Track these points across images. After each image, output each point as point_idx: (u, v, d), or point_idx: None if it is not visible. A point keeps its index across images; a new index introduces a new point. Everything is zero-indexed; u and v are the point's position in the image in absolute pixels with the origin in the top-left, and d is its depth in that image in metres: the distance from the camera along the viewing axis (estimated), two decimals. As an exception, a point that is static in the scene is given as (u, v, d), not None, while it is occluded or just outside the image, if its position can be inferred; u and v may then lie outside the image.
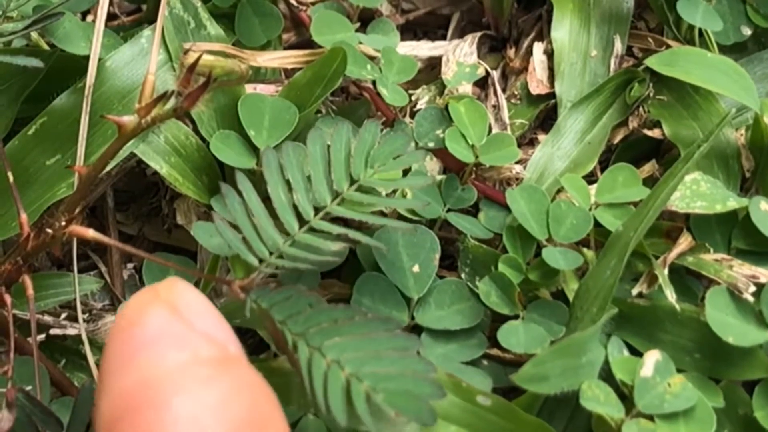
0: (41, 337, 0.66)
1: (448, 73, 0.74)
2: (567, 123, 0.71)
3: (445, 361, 0.59)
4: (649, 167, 0.69)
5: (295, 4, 0.78)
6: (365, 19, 0.76)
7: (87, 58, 0.65)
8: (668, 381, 0.55)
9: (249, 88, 0.68)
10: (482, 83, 0.76)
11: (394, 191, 0.63)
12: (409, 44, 0.78)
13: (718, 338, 0.56)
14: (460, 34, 0.80)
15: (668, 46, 0.73)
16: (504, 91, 0.75)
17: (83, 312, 0.66)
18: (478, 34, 0.78)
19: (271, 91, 0.68)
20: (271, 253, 0.51)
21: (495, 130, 0.72)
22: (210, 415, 0.37)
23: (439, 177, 0.67)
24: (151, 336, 0.40)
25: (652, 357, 0.56)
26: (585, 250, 0.63)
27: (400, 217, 0.65)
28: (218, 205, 0.61)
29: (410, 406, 0.46)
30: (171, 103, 0.52)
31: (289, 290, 0.51)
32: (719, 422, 0.55)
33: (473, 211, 0.67)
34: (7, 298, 0.56)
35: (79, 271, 0.67)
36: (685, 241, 0.61)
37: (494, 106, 0.73)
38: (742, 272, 0.59)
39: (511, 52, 0.78)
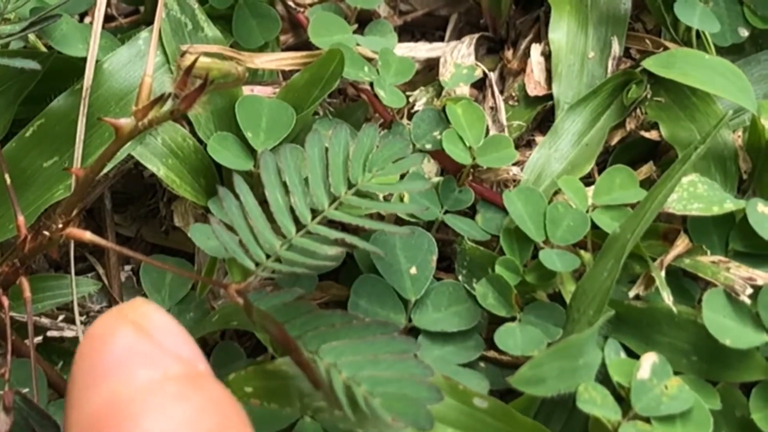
0: (38, 339, 0.66)
1: (445, 74, 0.74)
2: (564, 125, 0.71)
3: (442, 363, 0.59)
4: (647, 169, 0.69)
5: (292, 5, 0.78)
6: (363, 21, 0.76)
7: (84, 60, 0.65)
8: (665, 383, 0.55)
9: (246, 90, 0.68)
10: (480, 85, 0.76)
11: (392, 194, 0.63)
12: (407, 46, 0.78)
13: (715, 340, 0.56)
14: (458, 35, 0.81)
15: (666, 48, 0.73)
16: (501, 92, 0.75)
17: (80, 314, 0.66)
18: (476, 35, 0.78)
19: (268, 93, 0.68)
20: (268, 257, 0.51)
21: (492, 132, 0.72)
22: (181, 430, 0.37)
23: (437, 179, 0.67)
24: (119, 355, 0.40)
25: (649, 359, 0.56)
26: (582, 252, 0.63)
27: (398, 219, 0.65)
28: (215, 207, 0.61)
29: (407, 410, 0.46)
30: (168, 105, 0.52)
31: (286, 294, 0.51)
32: (716, 424, 0.55)
33: (470, 212, 0.67)
34: (5, 300, 0.56)
35: (77, 273, 0.67)
36: (682, 243, 0.61)
37: (492, 108, 0.73)
38: (739, 274, 0.59)
39: (508, 54, 0.78)
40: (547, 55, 0.75)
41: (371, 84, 0.69)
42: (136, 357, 0.40)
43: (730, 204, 0.62)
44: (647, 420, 0.54)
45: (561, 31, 0.74)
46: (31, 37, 0.67)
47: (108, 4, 0.72)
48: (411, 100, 0.73)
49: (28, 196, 0.63)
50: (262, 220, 0.52)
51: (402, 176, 0.61)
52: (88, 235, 0.52)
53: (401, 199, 0.64)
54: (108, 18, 0.75)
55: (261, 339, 0.62)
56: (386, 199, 0.63)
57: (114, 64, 0.65)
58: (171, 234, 0.73)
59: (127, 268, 0.72)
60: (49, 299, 0.65)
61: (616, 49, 0.73)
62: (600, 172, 0.67)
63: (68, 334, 0.66)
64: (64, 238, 0.54)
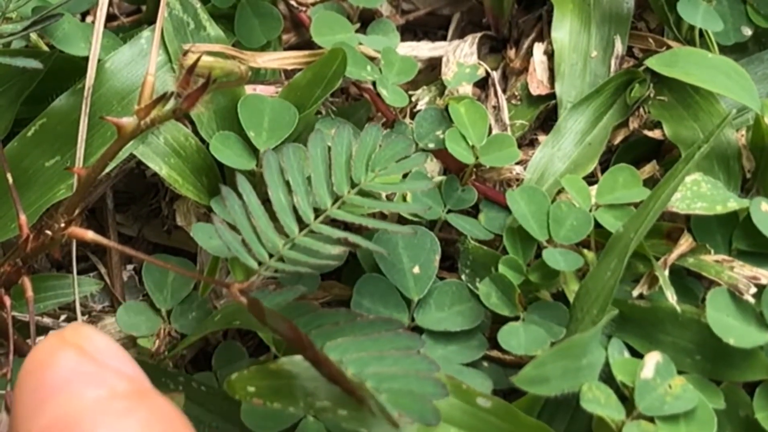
0: (40, 338, 0.65)
1: (448, 73, 0.74)
2: (567, 124, 0.70)
3: (445, 362, 0.59)
4: (650, 168, 0.69)
5: (294, 4, 0.78)
6: (365, 20, 0.76)
7: (86, 59, 0.65)
8: (669, 383, 0.55)
9: (249, 89, 0.67)
10: (482, 84, 0.76)
11: (394, 193, 0.63)
12: (409, 45, 0.78)
13: (718, 340, 0.56)
14: (461, 34, 0.80)
15: (669, 47, 0.73)
16: (504, 91, 0.75)
17: (83, 314, 0.66)
18: (479, 34, 0.78)
19: (270, 92, 0.68)
20: (270, 256, 0.51)
21: (495, 131, 0.72)
22: None
23: (439, 178, 0.67)
24: (64, 376, 0.40)
25: (653, 358, 0.56)
26: (585, 251, 0.62)
27: (401, 218, 0.65)
28: (218, 206, 0.61)
29: (414, 406, 0.46)
30: (170, 104, 0.52)
31: (289, 292, 0.51)
32: (720, 424, 0.55)
33: (473, 212, 0.67)
34: (7, 300, 0.56)
35: (79, 273, 0.67)
36: (685, 243, 0.61)
37: (494, 107, 0.73)
38: (743, 273, 0.59)
39: (511, 53, 0.78)
40: (549, 54, 0.75)
41: (374, 83, 0.69)
42: (82, 376, 0.40)
43: (733, 203, 0.61)
44: (651, 419, 0.54)
45: (564, 30, 0.74)
46: (33, 36, 0.67)
47: (110, 3, 0.72)
48: (413, 99, 0.73)
49: (30, 195, 0.63)
50: (265, 220, 0.52)
51: (404, 175, 0.61)
52: (90, 235, 0.52)
53: (404, 199, 0.64)
54: (110, 17, 0.75)
55: (264, 338, 0.62)
56: (389, 198, 0.63)
57: (116, 64, 0.65)
58: (173, 233, 0.73)
59: (129, 267, 0.72)
60: (51, 299, 0.65)
61: (618, 48, 0.73)
62: (603, 172, 0.67)
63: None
64: (67, 238, 0.53)
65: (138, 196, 0.75)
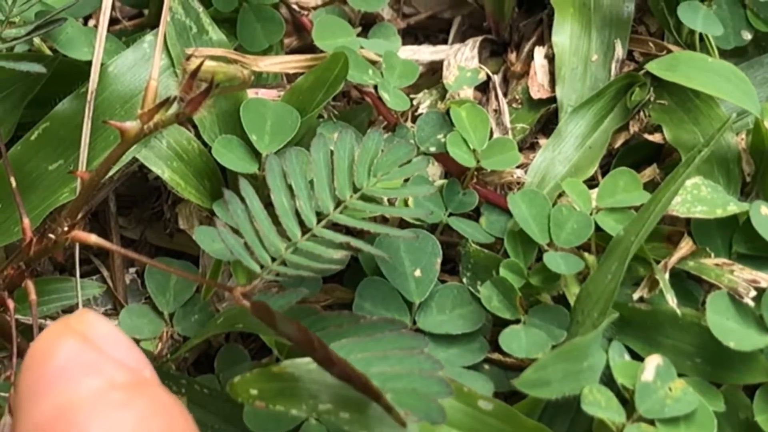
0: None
1: (449, 77, 0.74)
2: (568, 127, 0.71)
3: (446, 365, 0.59)
4: (650, 171, 0.69)
5: (296, 8, 0.78)
6: (367, 24, 0.76)
7: (89, 63, 0.65)
8: (669, 385, 0.56)
9: (251, 93, 0.68)
10: (483, 87, 0.76)
11: (396, 197, 0.63)
12: (411, 48, 0.78)
13: (718, 343, 0.56)
14: (461, 38, 0.81)
15: (669, 51, 0.73)
16: (505, 95, 0.75)
17: (86, 316, 0.66)
18: (479, 38, 0.78)
19: (272, 96, 0.68)
20: (273, 260, 0.51)
21: (496, 135, 0.72)
22: None
23: (441, 181, 0.67)
24: (63, 365, 0.40)
25: (653, 361, 0.56)
26: (586, 254, 0.63)
27: (402, 221, 0.65)
28: (220, 210, 0.61)
29: (419, 405, 0.46)
30: (173, 108, 0.52)
31: (292, 295, 0.51)
32: (720, 426, 0.55)
33: (474, 215, 0.67)
34: (10, 303, 0.56)
35: (81, 276, 0.67)
36: (685, 246, 0.62)
37: (495, 111, 0.73)
38: (743, 277, 0.59)
39: (512, 57, 0.78)
40: (550, 58, 0.75)
41: (375, 87, 0.69)
42: (81, 366, 0.40)
43: (733, 206, 0.62)
44: (651, 422, 0.54)
45: (564, 34, 0.74)
46: (36, 40, 0.67)
47: (112, 7, 0.72)
48: (414, 102, 0.73)
49: (33, 199, 0.63)
50: (267, 223, 0.53)
51: (406, 180, 0.62)
52: (93, 238, 0.53)
53: (406, 203, 0.64)
54: (112, 21, 0.75)
55: (266, 341, 0.62)
56: (391, 202, 0.63)
57: (119, 68, 0.66)
58: (175, 236, 0.73)
59: (132, 270, 0.72)
60: (54, 302, 0.66)
61: (619, 52, 0.73)
62: (603, 175, 0.67)
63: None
64: (70, 241, 0.54)
65: (140, 200, 0.75)
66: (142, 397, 0.40)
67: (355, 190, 0.56)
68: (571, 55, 0.74)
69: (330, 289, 0.65)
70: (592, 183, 0.67)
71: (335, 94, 0.65)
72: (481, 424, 0.53)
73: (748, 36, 0.74)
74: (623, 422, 0.54)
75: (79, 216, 0.54)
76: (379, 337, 0.49)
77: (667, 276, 0.60)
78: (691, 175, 0.61)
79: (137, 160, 0.65)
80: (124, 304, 0.70)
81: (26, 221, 0.56)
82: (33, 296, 0.56)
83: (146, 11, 0.77)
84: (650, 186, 0.67)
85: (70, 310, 0.67)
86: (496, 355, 0.61)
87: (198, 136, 0.66)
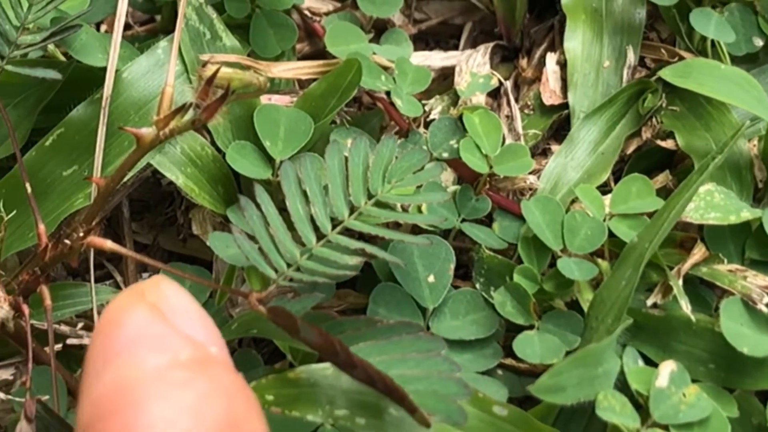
0: (58, 346, 0.66)
1: (461, 83, 0.74)
2: (580, 133, 0.71)
3: (460, 371, 0.59)
4: (663, 178, 0.69)
5: (308, 14, 0.78)
6: (378, 30, 0.76)
7: (103, 69, 0.65)
8: (683, 391, 0.56)
9: (264, 99, 0.68)
10: (495, 93, 0.76)
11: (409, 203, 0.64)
12: (422, 54, 0.78)
13: (732, 348, 0.56)
14: (473, 44, 0.81)
15: (681, 57, 0.74)
16: (517, 101, 0.75)
17: (100, 322, 0.66)
18: (491, 44, 0.78)
19: (286, 102, 0.68)
20: (288, 266, 0.52)
21: (509, 141, 0.72)
22: (185, 418, 0.37)
23: (453, 187, 0.68)
24: (130, 338, 0.39)
25: (668, 367, 0.56)
26: (600, 260, 0.63)
27: (415, 227, 0.65)
28: (235, 216, 0.61)
29: (439, 406, 0.46)
30: (189, 115, 0.52)
31: (307, 300, 0.51)
32: (734, 432, 0.55)
33: (487, 221, 0.67)
34: (25, 308, 0.57)
35: (95, 281, 0.67)
36: (699, 252, 0.62)
37: (507, 117, 0.74)
38: (756, 283, 0.60)
39: (523, 62, 0.78)
40: (562, 64, 0.75)
41: (387, 93, 0.69)
42: (147, 340, 0.39)
43: (746, 213, 0.62)
44: (665, 428, 0.55)
45: (576, 40, 0.74)
46: (51, 46, 0.68)
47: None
48: (427, 108, 0.73)
49: (47, 204, 0.64)
50: (283, 230, 0.53)
51: (419, 186, 0.62)
52: (109, 244, 0.53)
53: (419, 209, 0.65)
54: (124, 27, 0.75)
55: (280, 346, 0.62)
56: (404, 208, 0.64)
57: (133, 74, 0.66)
58: (188, 242, 0.73)
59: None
60: (69, 307, 0.66)
61: (631, 58, 0.74)
62: (616, 181, 0.68)
63: (87, 341, 0.66)
64: (85, 247, 0.54)
65: (153, 205, 0.76)
66: (204, 377, 0.39)
67: (370, 196, 0.56)
68: (583, 61, 0.74)
69: (343, 295, 0.65)
70: (604, 189, 0.67)
71: (348, 100, 0.66)
72: (496, 429, 0.54)
73: (759, 42, 0.74)
74: (637, 428, 0.54)
75: (95, 222, 0.54)
76: (397, 340, 0.49)
77: (680, 282, 0.60)
78: (704, 181, 0.61)
79: (151, 166, 0.65)
80: (137, 309, 0.70)
81: (41, 227, 0.56)
82: (48, 301, 0.56)
83: (158, 17, 0.77)
84: (663, 192, 0.67)
85: (84, 315, 0.68)
86: (509, 361, 0.61)
87: (212, 142, 0.66)
